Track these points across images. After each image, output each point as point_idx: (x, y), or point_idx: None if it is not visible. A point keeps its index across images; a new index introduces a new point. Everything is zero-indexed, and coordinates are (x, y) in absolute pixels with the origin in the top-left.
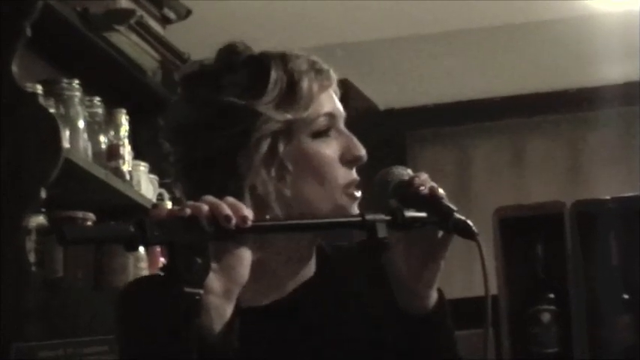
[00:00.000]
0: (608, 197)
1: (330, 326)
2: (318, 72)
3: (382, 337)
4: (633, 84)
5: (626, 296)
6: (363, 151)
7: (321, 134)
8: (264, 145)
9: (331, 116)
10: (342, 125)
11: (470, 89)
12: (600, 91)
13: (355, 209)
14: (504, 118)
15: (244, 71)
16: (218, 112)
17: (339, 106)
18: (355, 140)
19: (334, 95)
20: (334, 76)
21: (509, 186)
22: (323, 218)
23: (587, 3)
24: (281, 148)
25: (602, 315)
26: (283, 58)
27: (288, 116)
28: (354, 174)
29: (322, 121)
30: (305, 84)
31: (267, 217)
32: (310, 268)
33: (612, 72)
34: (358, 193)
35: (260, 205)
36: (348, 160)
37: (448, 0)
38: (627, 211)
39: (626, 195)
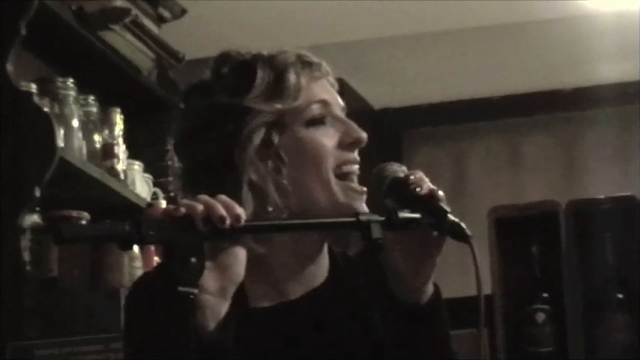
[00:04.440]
0: (603, 197)
1: (331, 339)
2: (307, 64)
3: (385, 353)
4: (629, 84)
5: (621, 296)
6: (362, 134)
7: (315, 122)
8: (257, 138)
9: (325, 103)
10: (339, 112)
11: (465, 89)
12: (596, 91)
13: (350, 190)
14: (500, 118)
15: (232, 74)
16: (209, 115)
17: (336, 96)
18: (353, 124)
19: (329, 86)
20: (327, 69)
21: (505, 185)
22: (319, 207)
23: (583, 3)
24: (275, 139)
25: (597, 314)
26: (270, 57)
27: (278, 106)
28: (349, 154)
29: (315, 109)
30: (291, 75)
31: (270, 208)
32: (319, 273)
33: (608, 71)
34: (353, 169)
35: (260, 197)
36: (347, 142)
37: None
38: (622, 211)
39: (621, 194)
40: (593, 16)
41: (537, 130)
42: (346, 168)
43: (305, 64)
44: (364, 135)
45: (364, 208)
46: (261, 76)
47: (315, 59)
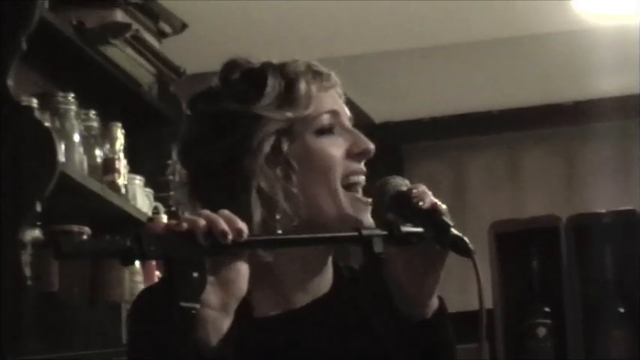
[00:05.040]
0: (603, 211)
1: (336, 347)
2: (317, 74)
3: None
4: (629, 97)
5: (622, 310)
6: (370, 144)
7: (324, 131)
8: (267, 146)
9: (334, 113)
10: (347, 123)
11: (466, 102)
12: (596, 104)
13: (357, 201)
14: (500, 132)
15: (242, 82)
16: (218, 123)
17: (344, 106)
18: (361, 135)
19: (337, 96)
20: (336, 80)
21: (505, 199)
22: (326, 216)
23: (583, 17)
24: (285, 146)
25: (598, 328)
26: (280, 65)
27: (289, 115)
28: (357, 165)
29: (325, 119)
30: (302, 84)
31: (278, 216)
32: (324, 284)
33: (608, 85)
34: (360, 180)
35: (269, 205)
36: (355, 153)
37: (444, 14)
38: (623, 225)
39: (621, 209)
40: (593, 29)
41: (537, 144)
42: (353, 178)
43: (315, 73)
44: (372, 146)
45: (369, 219)
46: (272, 84)
47: (324, 69)
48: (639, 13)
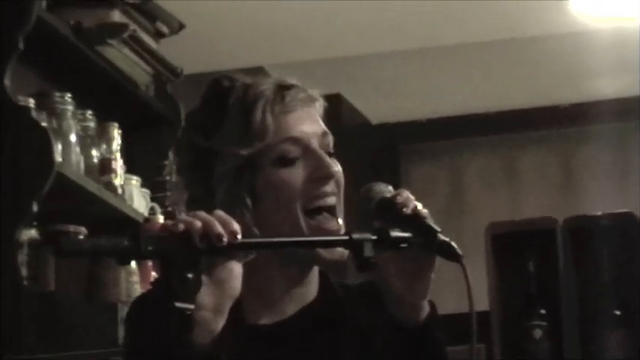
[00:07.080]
0: (600, 213)
1: (329, 354)
2: (283, 96)
3: None
4: (626, 99)
5: (617, 312)
6: (331, 169)
7: (284, 161)
8: (229, 182)
9: (294, 140)
10: (314, 144)
11: (463, 104)
12: (593, 107)
13: (319, 233)
14: (497, 133)
15: (206, 110)
16: (189, 154)
17: (313, 125)
18: (325, 159)
19: (306, 115)
20: (310, 95)
21: (502, 201)
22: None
23: (581, 19)
24: (248, 179)
25: (594, 331)
26: (245, 89)
27: (244, 152)
28: (320, 188)
29: (283, 148)
30: (259, 114)
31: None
32: (310, 292)
33: (605, 87)
34: (325, 203)
35: (244, 231)
36: (315, 178)
37: (441, 15)
38: (620, 228)
39: (618, 211)
40: (591, 32)
41: (535, 146)
42: (316, 203)
43: (281, 91)
44: (333, 170)
45: (331, 253)
46: (231, 115)
47: (294, 88)
48: (637, 16)
